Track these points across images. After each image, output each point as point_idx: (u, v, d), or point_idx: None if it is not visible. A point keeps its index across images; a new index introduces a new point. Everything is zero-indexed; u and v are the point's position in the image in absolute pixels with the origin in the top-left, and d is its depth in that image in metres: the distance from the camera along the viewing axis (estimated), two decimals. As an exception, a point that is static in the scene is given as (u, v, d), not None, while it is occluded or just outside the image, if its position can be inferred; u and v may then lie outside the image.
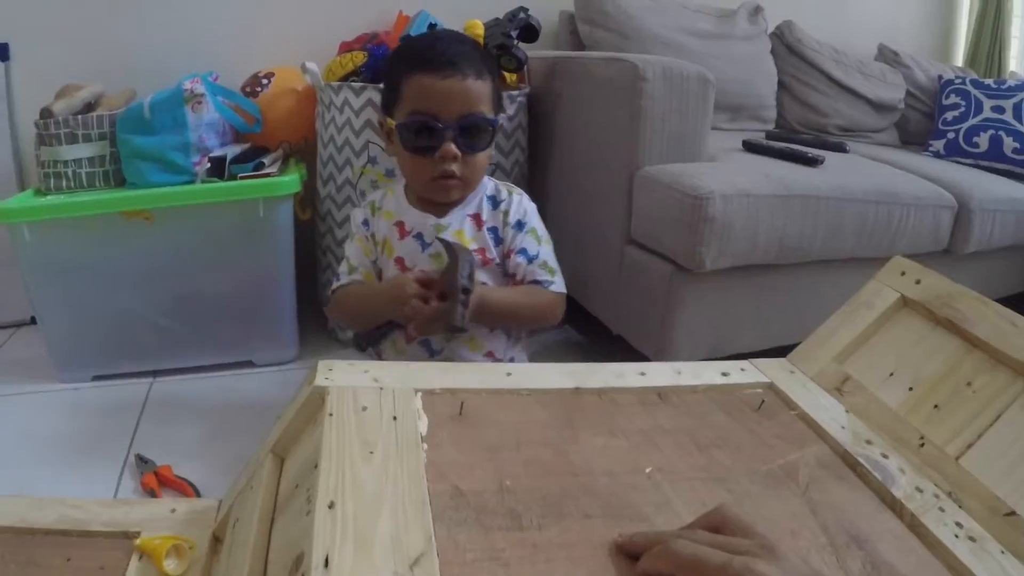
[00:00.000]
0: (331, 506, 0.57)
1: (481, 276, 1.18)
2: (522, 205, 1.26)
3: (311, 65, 1.72)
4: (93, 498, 0.98)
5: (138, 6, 1.89)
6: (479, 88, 1.14)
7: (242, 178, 1.58)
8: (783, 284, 1.52)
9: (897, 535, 0.65)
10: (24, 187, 1.82)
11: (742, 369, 0.91)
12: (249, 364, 1.76)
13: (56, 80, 1.72)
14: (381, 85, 1.54)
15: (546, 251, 1.24)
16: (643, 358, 1.51)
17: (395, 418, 0.71)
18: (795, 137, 2.07)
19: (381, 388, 0.76)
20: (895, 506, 0.68)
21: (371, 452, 0.65)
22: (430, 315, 1.06)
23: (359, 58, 1.70)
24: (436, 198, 1.22)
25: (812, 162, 1.63)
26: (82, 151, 1.60)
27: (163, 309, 1.66)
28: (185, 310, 1.67)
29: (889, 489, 0.70)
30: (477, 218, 1.24)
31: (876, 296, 0.96)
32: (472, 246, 1.22)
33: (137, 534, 0.88)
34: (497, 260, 1.24)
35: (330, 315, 1.54)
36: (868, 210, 1.51)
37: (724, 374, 0.89)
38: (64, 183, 1.59)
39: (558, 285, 1.22)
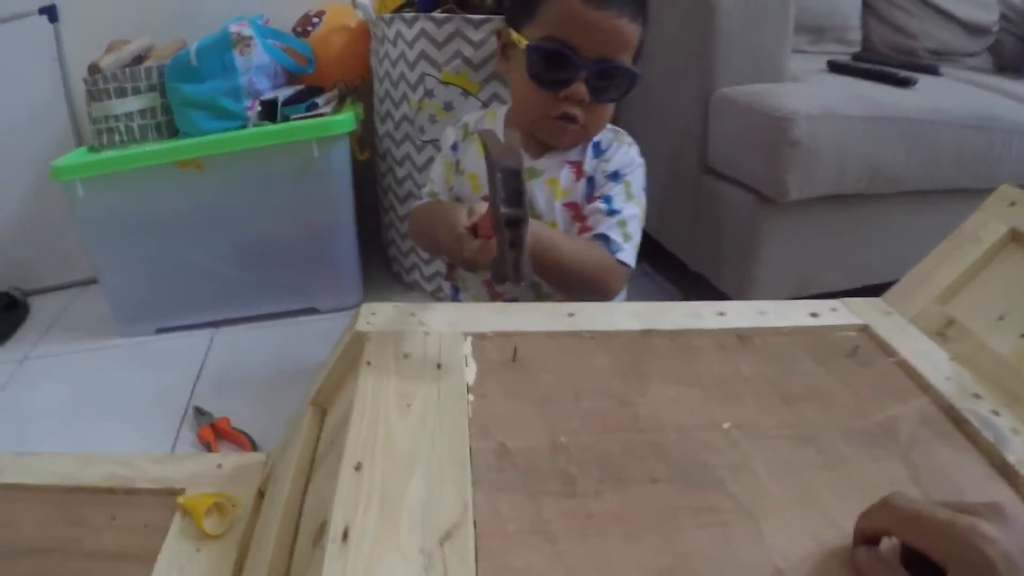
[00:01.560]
0: (358, 468, 0.51)
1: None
2: (628, 155, 1.09)
3: (362, -1, 1.63)
4: (142, 454, 0.95)
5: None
6: (630, 32, 0.98)
7: (295, 120, 1.52)
8: (874, 217, 1.38)
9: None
10: (82, 146, 1.80)
11: (833, 309, 0.81)
12: (312, 311, 1.72)
13: (106, 37, 1.68)
14: (436, 13, 1.46)
15: (632, 212, 1.05)
16: (723, 297, 1.40)
17: (439, 366, 0.64)
18: (883, 60, 1.89)
19: (427, 333, 0.69)
20: (1008, 472, 0.59)
21: (408, 405, 0.58)
22: (479, 254, 0.85)
23: (413, -10, 1.60)
24: (547, 139, 1.07)
25: (904, 83, 1.47)
26: (132, 104, 1.55)
27: (222, 258, 1.62)
28: (244, 258, 1.63)
29: (1001, 452, 0.60)
30: (578, 167, 1.08)
31: (982, 229, 0.85)
32: (564, 200, 1.07)
33: (182, 491, 0.85)
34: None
35: (411, 239, 1.44)
36: (967, 136, 1.37)
37: (813, 315, 0.79)
38: (117, 138, 1.56)
39: (627, 254, 1.03)
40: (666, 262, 1.70)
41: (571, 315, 0.73)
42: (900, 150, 1.29)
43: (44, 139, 1.79)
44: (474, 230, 0.86)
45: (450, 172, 1.17)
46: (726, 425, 0.60)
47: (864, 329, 0.78)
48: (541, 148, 1.08)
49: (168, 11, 1.80)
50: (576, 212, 1.08)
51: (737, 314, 0.77)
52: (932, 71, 1.75)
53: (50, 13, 1.76)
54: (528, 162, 1.07)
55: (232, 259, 1.63)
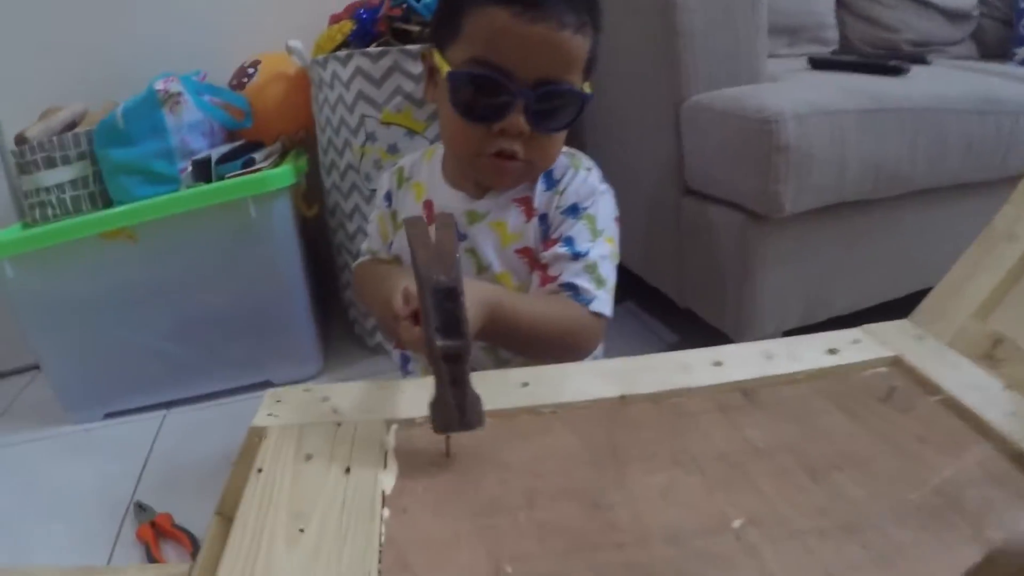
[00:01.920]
0: None
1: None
2: (587, 183, 0.91)
3: (294, 43, 1.51)
4: (55, 567, 0.83)
5: (116, 13, 1.71)
6: (575, 46, 0.80)
7: (229, 179, 1.40)
8: (882, 223, 1.24)
9: None
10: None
11: (855, 341, 0.66)
12: (268, 384, 1.57)
13: (45, 104, 1.59)
14: (370, 48, 1.33)
15: (601, 252, 0.88)
16: (719, 335, 1.25)
17: (348, 470, 0.48)
18: (866, 56, 1.77)
19: (339, 424, 0.53)
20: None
21: (301, 530, 0.43)
22: (417, 345, 0.68)
23: (347, 27, 1.48)
24: (484, 180, 0.91)
25: (895, 71, 1.33)
26: (62, 175, 1.46)
27: (165, 335, 1.50)
28: (189, 333, 1.50)
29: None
30: (527, 203, 0.91)
31: (1017, 224, 0.71)
32: (515, 246, 0.90)
33: None
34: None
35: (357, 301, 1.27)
36: (972, 122, 1.23)
37: (831, 351, 0.64)
38: (50, 211, 1.46)
39: (601, 303, 0.86)
40: (652, 298, 1.53)
41: (525, 385, 0.58)
42: (904, 144, 1.14)
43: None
44: (414, 316, 0.69)
45: (386, 225, 1.02)
46: (737, 523, 0.44)
47: (896, 362, 0.63)
48: (482, 187, 0.92)
49: (106, 74, 1.70)
50: (531, 258, 0.91)
51: (737, 361, 0.62)
52: (920, 60, 1.62)
53: (-16, 85, 1.65)
54: (466, 204, 0.92)
55: (176, 335, 1.50)
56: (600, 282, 0.86)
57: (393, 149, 1.38)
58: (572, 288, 0.85)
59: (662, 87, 1.22)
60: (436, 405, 0.51)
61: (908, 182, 1.18)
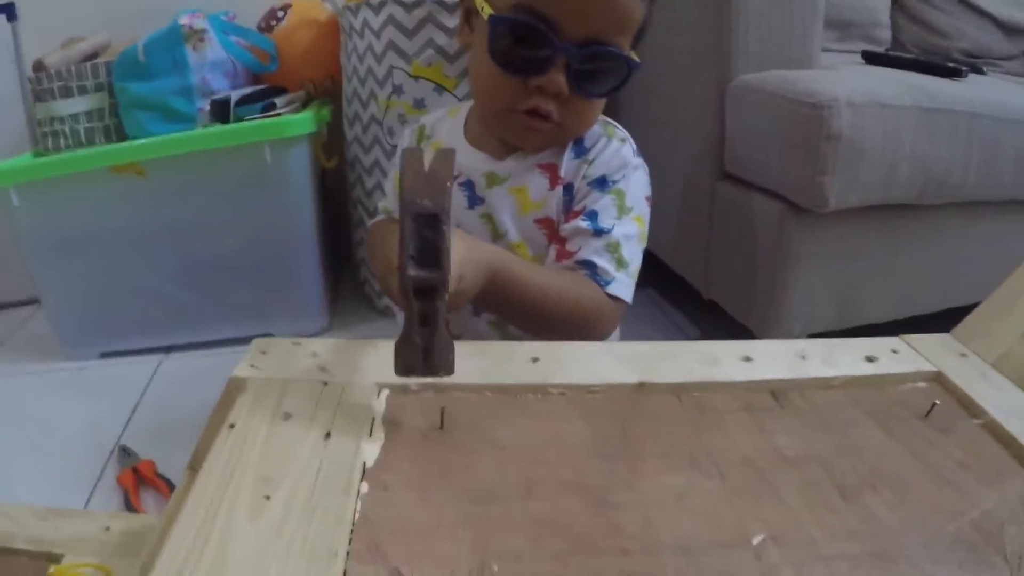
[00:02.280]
0: None
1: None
2: (619, 155, 0.84)
3: (327, -13, 1.46)
4: (30, 506, 0.81)
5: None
6: (632, 8, 0.74)
7: (247, 121, 1.35)
8: (926, 232, 1.17)
9: None
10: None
11: (894, 351, 0.60)
12: (269, 337, 1.52)
13: (68, 35, 1.56)
14: (405, -2, 1.27)
15: (626, 231, 0.81)
16: (743, 333, 1.19)
17: (328, 435, 0.43)
18: (920, 58, 1.69)
19: (326, 383, 0.48)
20: None
21: (267, 497, 0.37)
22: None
23: (382, -27, 1.42)
24: (511, 138, 0.84)
25: (953, 73, 1.26)
26: (78, 105, 1.42)
27: (169, 277, 1.46)
28: (193, 277, 1.46)
29: None
30: (553, 171, 0.84)
31: None
32: (535, 215, 0.84)
33: (60, 557, 0.70)
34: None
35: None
36: (1029, 135, 1.16)
37: (869, 359, 0.58)
38: (62, 141, 1.42)
39: (620, 286, 0.79)
40: (676, 287, 1.48)
41: (535, 360, 0.52)
42: (957, 149, 1.07)
43: (1, 144, 1.63)
44: None
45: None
46: (757, 539, 0.39)
47: (937, 378, 0.57)
48: (506, 147, 0.85)
49: (132, 8, 1.66)
50: (551, 230, 0.84)
51: (769, 358, 0.56)
52: (976, 69, 1.54)
53: (8, 11, 1.60)
54: (487, 164, 0.85)
55: (180, 278, 1.47)
56: (621, 263, 0.80)
57: (419, 104, 1.32)
58: (589, 266, 0.79)
59: (709, 64, 1.15)
60: (401, 345, 0.45)
61: (957, 190, 1.11)
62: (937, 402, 0.52)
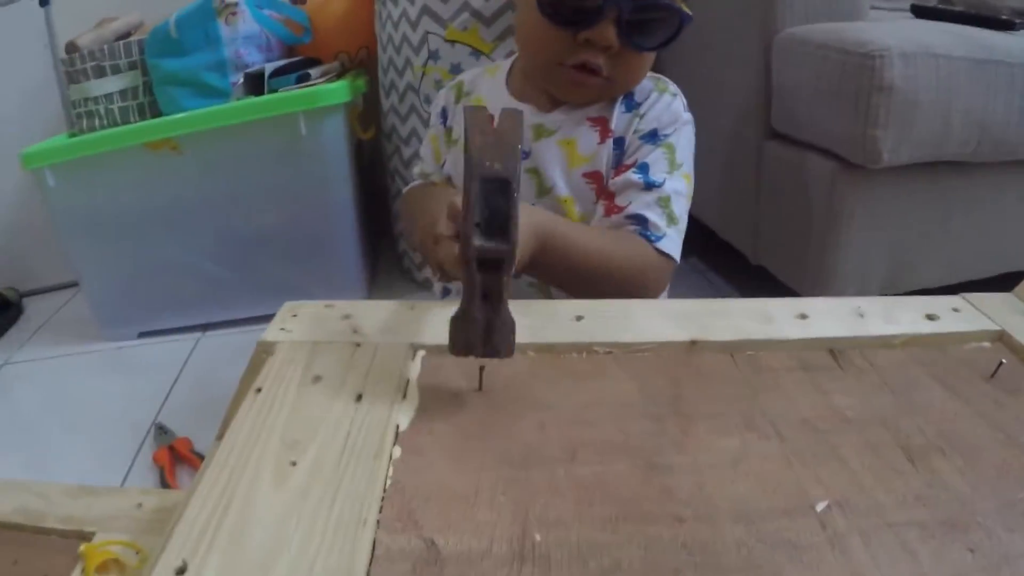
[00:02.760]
0: (181, 572, 0.30)
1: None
2: (670, 109, 0.81)
3: (360, -45, 1.42)
4: (61, 484, 0.80)
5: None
6: None
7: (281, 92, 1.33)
8: (982, 192, 1.11)
9: None
10: (78, 134, 1.69)
11: (955, 309, 0.57)
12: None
13: (102, 16, 1.55)
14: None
15: (676, 187, 0.79)
16: (793, 296, 1.15)
17: (360, 397, 0.41)
18: (971, 11, 1.61)
19: (358, 344, 0.46)
20: None
21: (293, 463, 0.36)
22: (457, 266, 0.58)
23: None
24: (559, 93, 0.81)
25: (1007, 26, 1.19)
26: (112, 84, 1.41)
27: (206, 254, 1.45)
28: (230, 253, 1.45)
29: None
30: (603, 124, 0.81)
31: None
32: (583, 169, 0.81)
33: (92, 535, 0.69)
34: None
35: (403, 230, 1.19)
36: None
37: (930, 317, 0.55)
38: (97, 122, 1.41)
39: (670, 243, 0.77)
40: (720, 254, 1.43)
41: (579, 319, 0.50)
42: (1013, 103, 1.01)
43: (38, 129, 1.64)
44: (459, 236, 0.60)
45: (439, 145, 0.93)
46: (821, 506, 0.36)
47: (1001, 337, 0.54)
48: (553, 101, 0.82)
49: None
50: (599, 185, 0.81)
51: (825, 316, 0.53)
52: (1030, 27, 1.46)
53: (40, -4, 1.63)
54: (535, 116, 0.82)
55: (217, 254, 1.45)
56: (672, 219, 0.77)
57: (456, 69, 1.28)
58: (640, 220, 0.76)
59: (755, 17, 1.09)
60: (459, 321, 0.42)
61: (1014, 147, 1.05)
62: (1004, 361, 0.49)
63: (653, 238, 0.75)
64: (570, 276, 0.73)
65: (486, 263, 0.42)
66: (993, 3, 1.91)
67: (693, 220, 0.83)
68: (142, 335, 1.51)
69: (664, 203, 0.76)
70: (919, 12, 1.33)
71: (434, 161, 0.93)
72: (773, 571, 0.32)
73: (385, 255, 1.73)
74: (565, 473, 0.36)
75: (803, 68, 1.02)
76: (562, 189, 0.81)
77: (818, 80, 0.99)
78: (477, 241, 0.42)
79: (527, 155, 0.82)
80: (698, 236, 1.10)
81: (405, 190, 0.96)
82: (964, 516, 0.36)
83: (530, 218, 0.65)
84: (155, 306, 1.50)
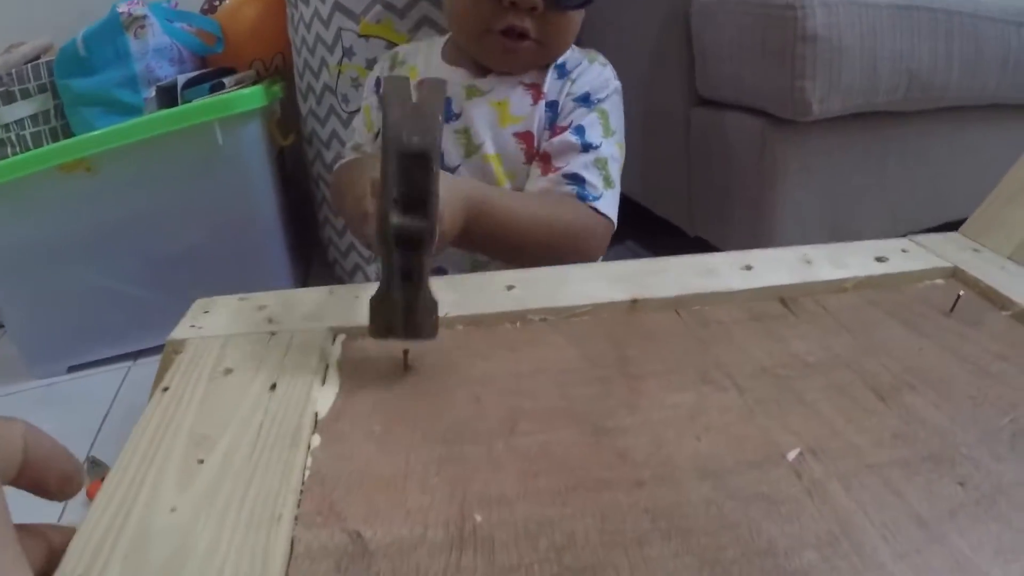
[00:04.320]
0: None
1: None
2: (602, 76, 0.82)
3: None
4: None
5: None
6: None
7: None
8: (914, 142, 1.11)
9: None
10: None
11: (904, 251, 0.55)
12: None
13: (6, 44, 1.48)
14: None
15: (610, 150, 0.78)
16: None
17: (274, 386, 0.37)
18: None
19: (273, 333, 0.41)
20: None
21: (200, 461, 0.31)
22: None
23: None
24: (490, 63, 0.81)
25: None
26: (22, 109, 1.38)
27: (130, 278, 1.38)
28: (155, 274, 1.38)
29: None
30: (535, 88, 0.80)
31: None
32: (515, 129, 0.80)
33: None
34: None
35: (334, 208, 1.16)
36: (1010, 34, 1.11)
37: (880, 259, 0.53)
38: (10, 150, 1.36)
39: (607, 203, 0.76)
40: (658, 234, 1.40)
41: (510, 288, 0.46)
42: (938, 49, 1.02)
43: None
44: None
45: (372, 115, 0.90)
46: (793, 454, 0.32)
47: (954, 273, 0.53)
48: (487, 70, 0.82)
49: (74, 10, 1.56)
50: (529, 146, 0.79)
51: (771, 265, 0.50)
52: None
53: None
54: (467, 79, 0.81)
55: (142, 277, 1.39)
56: (608, 182, 0.75)
57: (372, 65, 1.24)
58: (578, 180, 0.74)
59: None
60: (378, 302, 0.39)
61: (942, 93, 1.06)
62: (961, 293, 0.47)
63: (591, 198, 0.73)
64: (507, 244, 0.70)
65: (404, 241, 0.38)
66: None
67: (625, 200, 0.82)
68: (72, 369, 1.44)
69: (601, 165, 0.75)
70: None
71: (367, 131, 0.90)
72: (750, 528, 0.28)
73: (316, 264, 1.69)
74: (505, 446, 0.33)
75: (725, 28, 1.02)
76: (489, 147, 0.80)
77: (741, 37, 0.99)
78: (394, 219, 0.38)
79: (457, 116, 0.80)
80: (632, 216, 1.08)
81: (337, 165, 0.92)
82: (947, 449, 0.34)
83: (459, 189, 0.63)
84: (84, 338, 1.42)
